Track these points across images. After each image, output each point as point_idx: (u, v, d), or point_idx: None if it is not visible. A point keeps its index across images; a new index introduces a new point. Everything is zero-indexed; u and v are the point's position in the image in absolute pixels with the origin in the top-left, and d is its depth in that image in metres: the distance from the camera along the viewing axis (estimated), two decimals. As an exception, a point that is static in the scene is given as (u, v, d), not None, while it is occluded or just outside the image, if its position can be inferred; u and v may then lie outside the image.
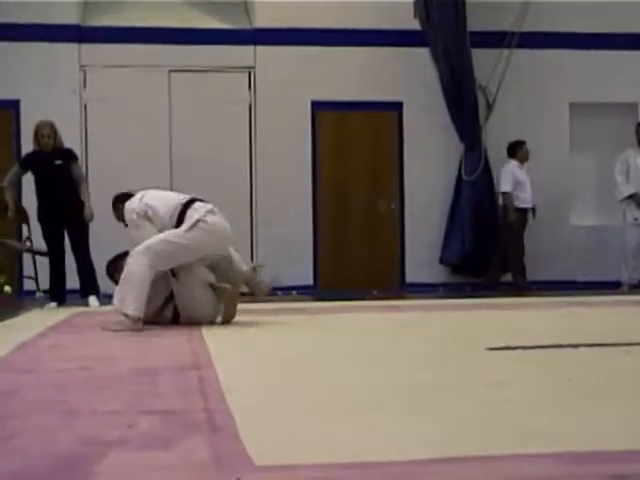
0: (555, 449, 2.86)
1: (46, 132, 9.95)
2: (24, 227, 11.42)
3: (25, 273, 11.80)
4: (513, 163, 12.67)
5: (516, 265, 12.55)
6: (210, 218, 7.29)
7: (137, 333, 6.78)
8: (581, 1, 13.09)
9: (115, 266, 7.73)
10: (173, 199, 7.50)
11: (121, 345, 6.14)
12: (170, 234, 7.18)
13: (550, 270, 12.76)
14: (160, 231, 7.21)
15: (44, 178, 9.97)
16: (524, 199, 12.56)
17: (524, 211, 12.57)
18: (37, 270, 11.19)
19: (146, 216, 7.27)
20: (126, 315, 6.97)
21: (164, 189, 12.19)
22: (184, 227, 7.19)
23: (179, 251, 7.15)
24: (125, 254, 7.47)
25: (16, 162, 10.40)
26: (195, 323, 7.25)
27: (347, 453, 2.86)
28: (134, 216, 7.32)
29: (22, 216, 10.44)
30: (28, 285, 11.66)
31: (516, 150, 12.70)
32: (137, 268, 7.03)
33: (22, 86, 12.14)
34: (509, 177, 12.55)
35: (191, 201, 7.42)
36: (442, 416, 3.44)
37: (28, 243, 10.31)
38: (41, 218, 10.03)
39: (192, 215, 7.26)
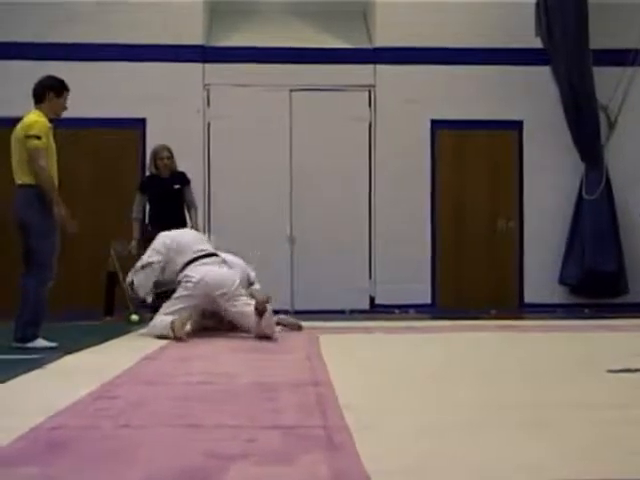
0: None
1: (165, 155, 10.01)
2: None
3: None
4: None
5: None
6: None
7: (257, 349, 6.90)
8: None
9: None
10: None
11: (241, 361, 6.25)
12: None
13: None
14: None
15: (160, 201, 9.97)
16: None
17: None
18: None
19: None
20: None
21: (283, 207, 12.53)
22: None
23: None
24: None
25: (137, 191, 10.24)
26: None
27: (463, 472, 2.89)
28: None
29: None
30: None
31: None
32: None
33: (148, 105, 12.44)
34: None
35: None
36: (559, 436, 3.44)
37: None
38: (148, 234, 9.61)
39: None
